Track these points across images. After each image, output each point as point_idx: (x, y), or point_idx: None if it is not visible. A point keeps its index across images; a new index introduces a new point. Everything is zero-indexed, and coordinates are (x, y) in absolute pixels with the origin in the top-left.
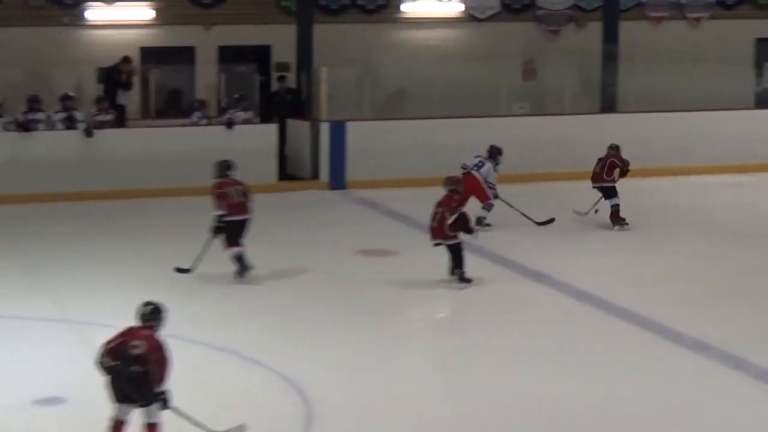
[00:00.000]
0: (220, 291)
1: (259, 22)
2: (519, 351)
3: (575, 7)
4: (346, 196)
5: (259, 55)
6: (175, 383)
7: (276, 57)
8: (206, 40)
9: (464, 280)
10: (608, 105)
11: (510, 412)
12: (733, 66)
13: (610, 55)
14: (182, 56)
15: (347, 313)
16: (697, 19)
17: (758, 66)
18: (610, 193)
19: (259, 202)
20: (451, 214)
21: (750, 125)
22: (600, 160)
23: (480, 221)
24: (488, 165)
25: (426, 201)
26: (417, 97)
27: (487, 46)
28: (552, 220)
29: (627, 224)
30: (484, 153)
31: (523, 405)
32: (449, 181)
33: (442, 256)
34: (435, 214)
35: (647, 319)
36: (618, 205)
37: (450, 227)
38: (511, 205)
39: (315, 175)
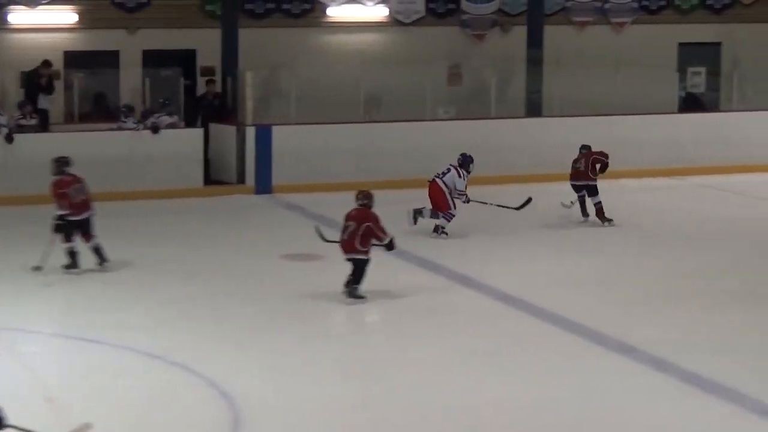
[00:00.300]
0: (146, 296)
1: (183, 26)
2: (446, 355)
3: (500, 11)
4: (271, 201)
5: (184, 59)
6: (100, 389)
7: (201, 61)
8: (130, 44)
9: (356, 296)
10: (533, 109)
11: (437, 416)
12: (657, 70)
13: (534, 60)
14: (106, 60)
15: (273, 318)
16: (621, 24)
17: (681, 70)
18: (592, 191)
19: (184, 207)
20: (382, 233)
21: (674, 129)
22: (577, 160)
23: (437, 229)
24: (453, 172)
25: (352, 206)
26: (343, 101)
27: (413, 50)
28: (529, 200)
29: (612, 221)
30: (454, 161)
31: (450, 409)
32: (361, 195)
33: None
34: (346, 227)
35: (574, 322)
36: (600, 202)
37: (362, 243)
38: (484, 203)
39: (241, 180)
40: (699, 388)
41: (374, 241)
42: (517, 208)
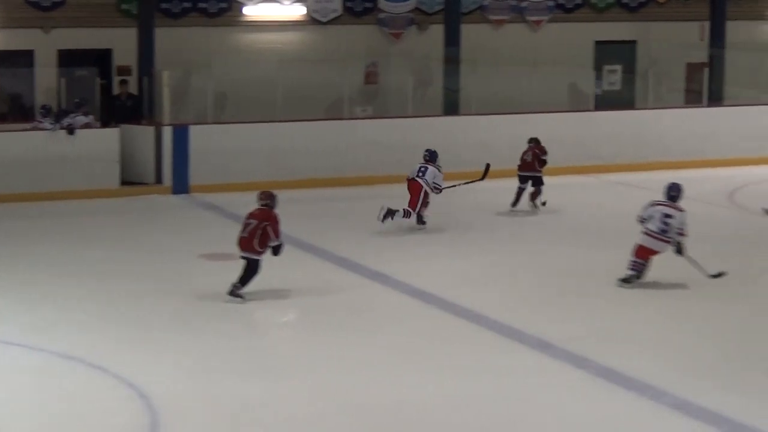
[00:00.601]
0: (62, 297)
1: (99, 26)
2: (365, 353)
3: (417, 10)
4: (189, 201)
5: (100, 58)
6: (16, 391)
7: (117, 60)
8: (45, 44)
9: (237, 295)
10: (450, 107)
11: (357, 413)
12: (574, 68)
13: (451, 58)
14: (21, 60)
15: (192, 318)
16: (537, 22)
17: (598, 68)
18: (537, 182)
19: (100, 208)
20: (276, 236)
21: (590, 127)
22: (525, 152)
23: (420, 219)
24: (432, 168)
25: None
26: (260, 100)
27: (330, 49)
28: (488, 166)
29: (545, 203)
30: (421, 159)
31: (370, 406)
32: (263, 196)
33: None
34: (246, 225)
35: (491, 318)
36: (540, 189)
37: (260, 244)
38: (454, 185)
39: (158, 180)
40: (614, 383)
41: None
42: (482, 179)
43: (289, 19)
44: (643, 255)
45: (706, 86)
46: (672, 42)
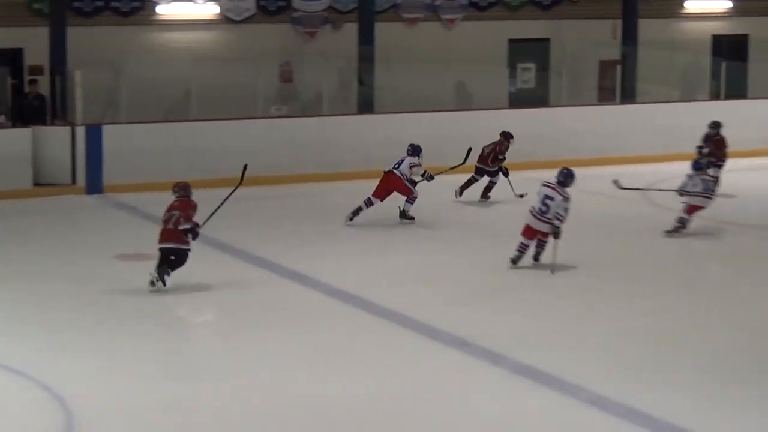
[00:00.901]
0: None
1: (10, 24)
2: (283, 352)
3: (331, 9)
4: (103, 201)
5: (11, 57)
6: None
7: (29, 60)
8: None
9: (161, 280)
10: (365, 106)
11: (278, 413)
12: (488, 66)
13: (366, 57)
14: None
15: (108, 319)
16: (452, 21)
17: (512, 66)
18: (491, 174)
19: (13, 209)
20: (186, 221)
21: (504, 125)
22: (488, 145)
23: (404, 214)
24: (407, 160)
25: None
26: (174, 99)
27: (244, 48)
28: (470, 150)
29: (489, 198)
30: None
31: (286, 405)
32: (177, 188)
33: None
34: (170, 216)
35: (409, 317)
36: (494, 184)
37: (183, 232)
38: (439, 174)
39: (72, 180)
40: (530, 379)
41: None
42: (464, 162)
43: (202, 18)
44: (526, 234)
45: (619, 84)
46: (585, 40)
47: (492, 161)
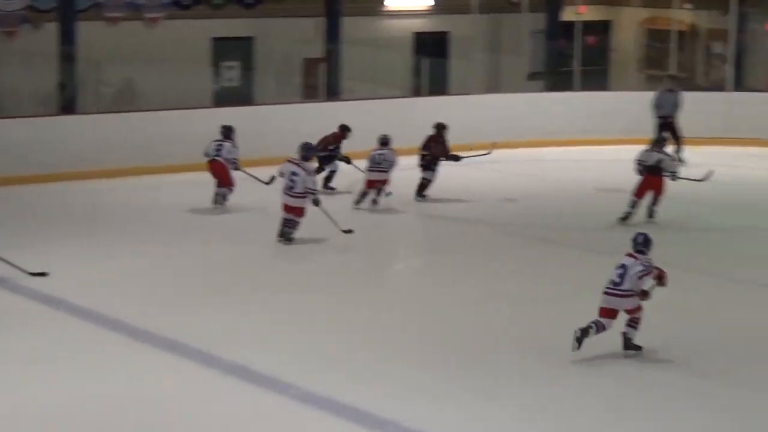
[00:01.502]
0: None
1: None
2: None
3: (30, 7)
4: None
5: None
6: None
7: None
8: None
9: None
10: (67, 106)
11: None
12: (192, 65)
13: (67, 56)
14: None
15: None
16: (154, 19)
17: (216, 65)
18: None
19: None
20: None
21: (209, 123)
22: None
23: (218, 200)
24: (227, 145)
25: None
26: None
27: None
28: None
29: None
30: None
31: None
32: None
33: None
34: None
35: (117, 320)
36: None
37: None
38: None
39: None
40: (242, 379)
41: None
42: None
43: None
44: (284, 210)
45: (324, 81)
46: (289, 38)
47: (323, 150)
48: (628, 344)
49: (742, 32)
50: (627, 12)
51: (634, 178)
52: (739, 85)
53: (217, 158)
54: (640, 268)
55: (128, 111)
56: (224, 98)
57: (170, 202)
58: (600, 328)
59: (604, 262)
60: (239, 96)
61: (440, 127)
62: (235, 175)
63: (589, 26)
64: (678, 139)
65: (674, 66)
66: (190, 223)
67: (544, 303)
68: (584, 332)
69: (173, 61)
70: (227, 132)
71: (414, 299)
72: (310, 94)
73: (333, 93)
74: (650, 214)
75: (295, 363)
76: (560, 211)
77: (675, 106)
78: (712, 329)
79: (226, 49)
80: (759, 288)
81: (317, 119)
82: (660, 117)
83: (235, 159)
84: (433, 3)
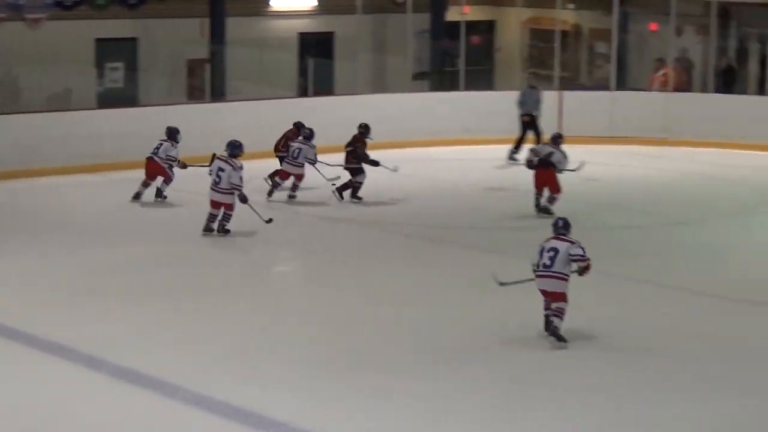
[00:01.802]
0: None
1: None
2: None
3: None
4: None
5: None
6: None
7: None
8: None
9: None
10: None
11: None
12: (76, 66)
13: None
14: None
15: None
16: (36, 20)
17: (100, 66)
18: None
19: None
20: None
21: (95, 125)
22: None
23: (159, 193)
24: (165, 145)
25: None
26: None
27: None
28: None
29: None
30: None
31: None
32: None
33: None
34: None
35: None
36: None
37: None
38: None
39: None
40: (130, 383)
41: None
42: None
43: None
44: (211, 205)
45: (209, 82)
46: (173, 39)
47: (283, 146)
48: (555, 333)
49: (624, 32)
50: (511, 12)
51: (521, 177)
52: (622, 85)
53: (153, 157)
54: (580, 251)
55: (10, 114)
56: (109, 99)
57: (62, 204)
58: (558, 312)
59: (495, 260)
60: (124, 97)
61: (365, 128)
62: (177, 172)
63: (474, 26)
64: (538, 135)
65: (558, 66)
66: (78, 226)
67: (433, 302)
68: (549, 327)
69: (56, 62)
70: (170, 133)
71: (297, 300)
72: (195, 95)
73: (218, 94)
74: (543, 209)
75: (182, 365)
76: (450, 211)
77: (537, 102)
78: (601, 323)
79: (109, 50)
80: (636, 284)
81: (202, 120)
82: (524, 114)
83: (172, 157)
84: (317, 3)
